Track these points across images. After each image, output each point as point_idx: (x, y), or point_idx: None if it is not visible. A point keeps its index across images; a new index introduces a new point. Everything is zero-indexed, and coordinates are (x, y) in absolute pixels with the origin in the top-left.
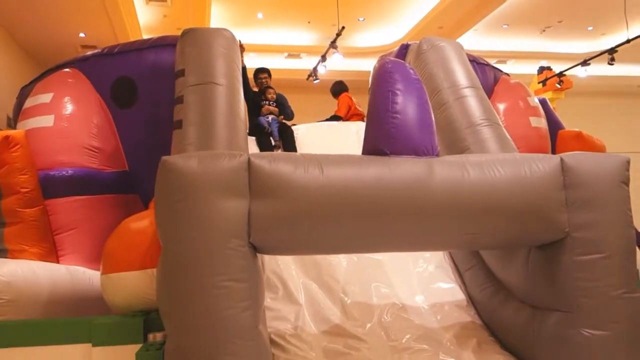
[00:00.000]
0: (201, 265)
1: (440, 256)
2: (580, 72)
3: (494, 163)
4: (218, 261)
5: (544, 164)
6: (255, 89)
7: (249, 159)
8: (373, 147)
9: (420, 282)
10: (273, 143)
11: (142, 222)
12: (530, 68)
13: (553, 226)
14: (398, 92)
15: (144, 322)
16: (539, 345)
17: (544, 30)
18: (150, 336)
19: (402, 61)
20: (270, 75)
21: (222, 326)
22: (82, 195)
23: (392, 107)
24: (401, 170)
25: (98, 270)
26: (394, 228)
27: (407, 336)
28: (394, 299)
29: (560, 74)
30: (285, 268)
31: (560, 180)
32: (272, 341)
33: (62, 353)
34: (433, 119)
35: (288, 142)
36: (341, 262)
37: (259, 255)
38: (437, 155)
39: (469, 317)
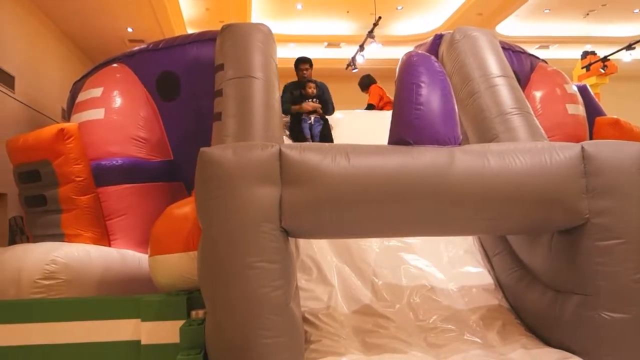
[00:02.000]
0: (237, 248)
1: (469, 241)
2: (625, 56)
3: (515, 152)
4: (252, 244)
5: (565, 152)
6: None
7: (280, 149)
8: (398, 137)
9: (450, 266)
10: None
11: (185, 208)
12: (573, 53)
13: (573, 212)
14: (422, 84)
15: (187, 300)
16: (561, 327)
17: (587, 14)
18: (193, 313)
19: (428, 54)
20: (311, 65)
21: (256, 303)
22: (131, 184)
23: (417, 98)
24: (424, 159)
25: (146, 253)
26: (417, 214)
27: (434, 317)
28: (423, 281)
29: (605, 59)
30: (320, 252)
31: (580, 168)
32: (305, 319)
33: (114, 327)
34: (456, 110)
35: None
36: (373, 246)
37: (293, 239)
38: (460, 144)
39: (495, 300)
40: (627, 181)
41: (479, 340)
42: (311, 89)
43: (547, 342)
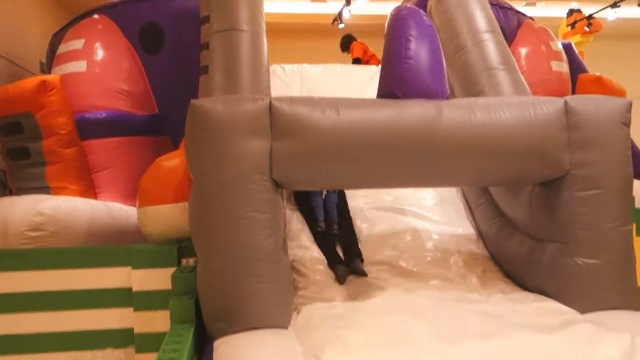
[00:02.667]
0: (228, 198)
1: (453, 193)
2: (610, 14)
3: (500, 106)
4: (243, 194)
5: (549, 106)
6: None
7: (270, 102)
8: (387, 90)
9: (434, 215)
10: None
11: (173, 161)
12: (559, 11)
13: (555, 164)
14: (411, 38)
15: (177, 249)
16: (538, 273)
17: None
18: (184, 261)
19: (417, 8)
20: None
21: (247, 251)
22: (115, 137)
23: (405, 52)
24: (412, 112)
25: (133, 206)
26: (405, 165)
27: (418, 262)
28: (408, 228)
29: (589, 17)
30: None
31: (563, 121)
32: (293, 267)
33: (105, 274)
34: (444, 64)
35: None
36: (359, 194)
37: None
38: (447, 98)
39: (477, 249)
40: (608, 134)
41: (459, 286)
42: None
43: (525, 288)
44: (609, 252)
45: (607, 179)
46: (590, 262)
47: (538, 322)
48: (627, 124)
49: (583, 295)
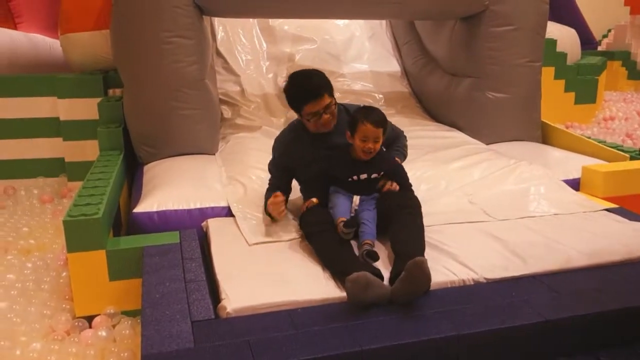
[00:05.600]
0: (150, 22)
1: (383, 32)
2: None
3: None
4: (165, 18)
5: None
6: None
7: None
8: None
9: (360, 51)
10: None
11: None
12: None
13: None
14: None
15: (103, 79)
16: (453, 107)
17: None
18: (110, 91)
19: None
20: (329, 92)
21: (171, 77)
22: None
23: None
24: None
25: (57, 38)
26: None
27: (347, 101)
28: (333, 68)
29: None
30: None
31: None
32: (222, 100)
33: (32, 103)
34: None
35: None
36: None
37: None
38: None
39: (401, 86)
40: None
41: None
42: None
43: (440, 121)
44: (517, 87)
45: (523, 16)
46: (499, 96)
47: (448, 152)
48: None
49: (490, 127)
